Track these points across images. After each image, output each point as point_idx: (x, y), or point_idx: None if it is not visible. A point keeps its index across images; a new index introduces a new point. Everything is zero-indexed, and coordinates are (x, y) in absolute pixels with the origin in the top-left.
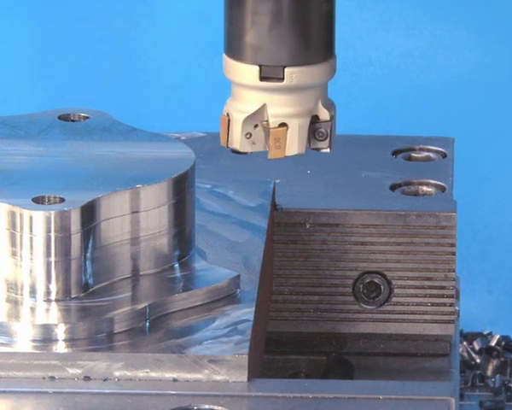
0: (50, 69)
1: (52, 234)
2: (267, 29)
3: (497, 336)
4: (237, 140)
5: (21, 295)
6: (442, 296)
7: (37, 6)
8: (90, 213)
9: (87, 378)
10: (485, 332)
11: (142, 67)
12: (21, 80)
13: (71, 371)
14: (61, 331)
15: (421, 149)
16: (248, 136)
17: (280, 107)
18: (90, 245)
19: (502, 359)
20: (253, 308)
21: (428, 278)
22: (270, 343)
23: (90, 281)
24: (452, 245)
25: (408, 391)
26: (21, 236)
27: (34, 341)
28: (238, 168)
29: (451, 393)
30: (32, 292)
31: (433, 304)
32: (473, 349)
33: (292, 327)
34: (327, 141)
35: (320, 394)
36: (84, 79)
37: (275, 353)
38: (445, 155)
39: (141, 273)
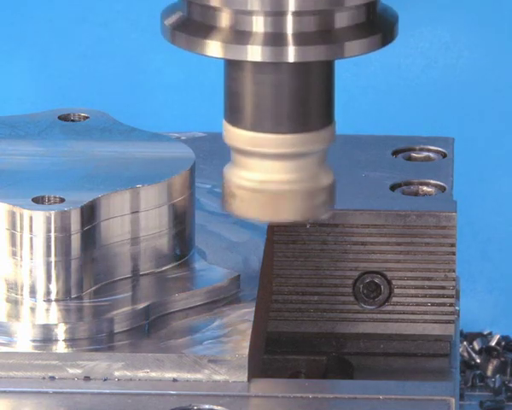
0: (50, 69)
1: (52, 234)
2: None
3: (497, 336)
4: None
5: (21, 295)
6: (442, 296)
7: (36, 6)
8: (90, 213)
9: (87, 378)
10: (486, 332)
11: (142, 67)
12: (21, 80)
13: (71, 371)
14: (61, 331)
15: (422, 149)
16: None
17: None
18: (90, 245)
19: (502, 359)
20: (253, 308)
21: (428, 278)
22: (270, 343)
23: (90, 281)
24: (452, 245)
25: (408, 391)
26: (21, 236)
27: (34, 341)
28: None
29: (451, 393)
30: (32, 292)
31: (433, 304)
32: (473, 349)
33: (292, 327)
34: None
35: (320, 394)
36: (84, 79)
37: (275, 353)
38: (444, 155)
39: (141, 273)
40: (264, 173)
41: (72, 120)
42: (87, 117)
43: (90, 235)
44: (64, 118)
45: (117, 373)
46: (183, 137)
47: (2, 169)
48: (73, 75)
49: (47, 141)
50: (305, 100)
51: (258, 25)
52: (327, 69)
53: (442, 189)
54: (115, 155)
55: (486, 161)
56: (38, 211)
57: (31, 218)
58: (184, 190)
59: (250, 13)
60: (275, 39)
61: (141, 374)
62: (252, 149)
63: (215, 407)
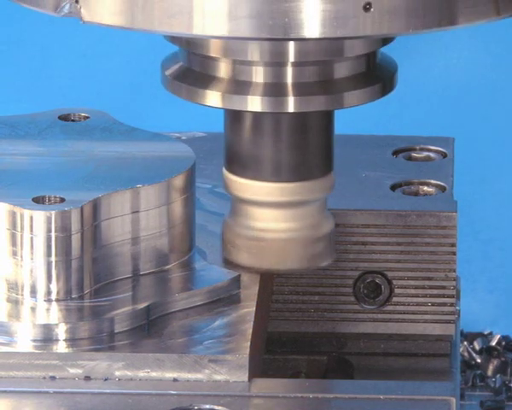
0: (50, 69)
1: (52, 234)
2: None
3: (498, 336)
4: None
5: (22, 295)
6: (443, 296)
7: None
8: (90, 213)
9: (88, 378)
10: (486, 332)
11: (142, 67)
12: (21, 80)
13: (71, 370)
14: (61, 331)
15: (422, 149)
16: None
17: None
18: (90, 245)
19: (502, 359)
20: (254, 308)
21: (429, 278)
22: (271, 343)
23: (91, 281)
24: (453, 245)
25: (409, 391)
26: (22, 236)
27: (35, 341)
28: None
29: (452, 393)
30: (33, 292)
31: (433, 304)
32: (473, 349)
33: (292, 327)
34: None
35: (321, 394)
36: (84, 78)
37: (275, 353)
38: (445, 155)
39: (141, 273)
40: (265, 222)
41: (73, 120)
42: (87, 117)
43: (91, 235)
44: (64, 118)
45: (117, 373)
46: (183, 137)
47: (3, 169)
48: (73, 75)
49: (47, 141)
50: (305, 149)
51: (258, 75)
52: (326, 118)
53: (442, 189)
54: (116, 154)
55: (487, 161)
56: (39, 211)
57: (31, 218)
58: (185, 190)
59: (250, 63)
60: (275, 89)
61: (141, 374)
62: (252, 198)
63: (216, 407)
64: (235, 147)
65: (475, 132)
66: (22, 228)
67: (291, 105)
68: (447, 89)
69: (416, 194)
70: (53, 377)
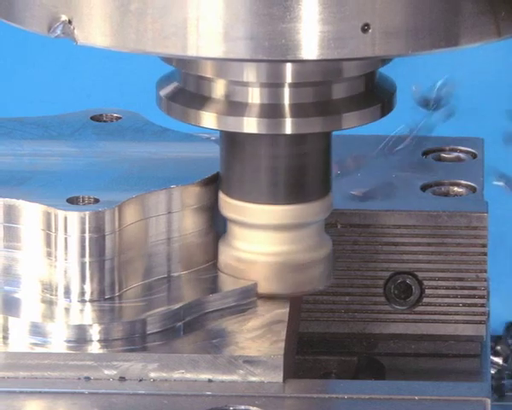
0: (76, 70)
1: (86, 234)
2: None
3: None
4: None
5: (56, 295)
6: (473, 297)
7: None
8: (124, 213)
9: (122, 379)
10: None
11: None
12: (44, 81)
13: (106, 371)
14: (95, 332)
15: (452, 150)
16: None
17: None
18: (124, 246)
19: None
20: (287, 309)
21: (460, 279)
22: (301, 344)
23: (125, 282)
24: (484, 245)
25: (443, 392)
26: (56, 236)
27: (69, 341)
28: None
29: (487, 394)
30: (67, 293)
31: (464, 305)
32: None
33: (323, 328)
34: None
35: (355, 394)
36: (113, 79)
37: (306, 353)
38: (474, 156)
39: (175, 274)
40: (262, 245)
41: (105, 121)
42: (119, 117)
43: (125, 235)
44: (97, 118)
45: (152, 374)
46: (212, 138)
47: (37, 170)
48: (101, 76)
49: (80, 141)
50: (302, 171)
51: (254, 96)
52: (324, 139)
53: (473, 189)
54: (148, 155)
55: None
56: (73, 211)
57: (65, 218)
58: (218, 191)
59: (246, 84)
60: (271, 111)
61: (176, 375)
62: (248, 221)
63: (251, 408)
64: (231, 168)
65: (499, 133)
66: (56, 229)
67: (288, 127)
68: (476, 90)
69: (447, 194)
70: (87, 378)
